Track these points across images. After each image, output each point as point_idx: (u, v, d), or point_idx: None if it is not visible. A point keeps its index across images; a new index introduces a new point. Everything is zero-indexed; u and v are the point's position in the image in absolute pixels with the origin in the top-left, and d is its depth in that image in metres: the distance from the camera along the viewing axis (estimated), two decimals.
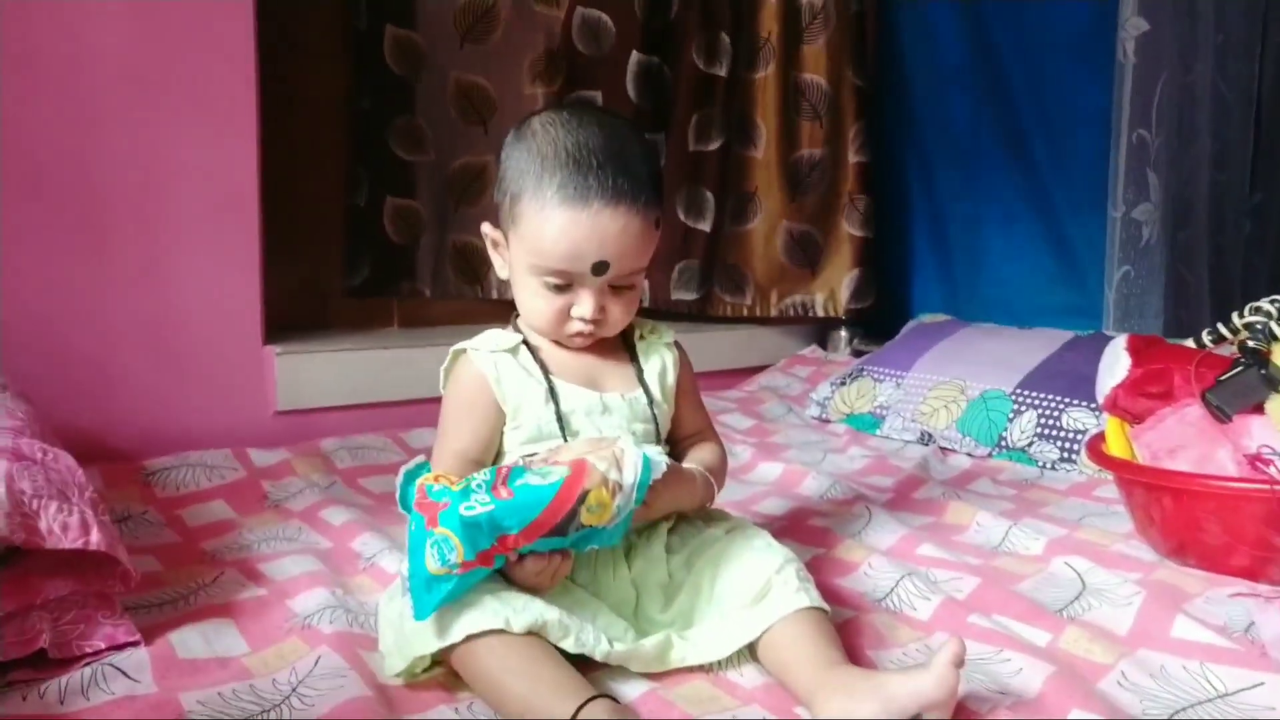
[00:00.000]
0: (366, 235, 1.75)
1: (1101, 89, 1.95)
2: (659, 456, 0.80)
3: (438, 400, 0.91)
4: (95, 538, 0.78)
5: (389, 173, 1.75)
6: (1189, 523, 1.04)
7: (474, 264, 1.86)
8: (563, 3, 1.85)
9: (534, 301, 0.88)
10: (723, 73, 2.11)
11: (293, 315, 1.67)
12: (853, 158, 2.26)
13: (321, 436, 1.49)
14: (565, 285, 0.86)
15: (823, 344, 2.40)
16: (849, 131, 2.25)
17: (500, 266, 0.93)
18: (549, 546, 0.76)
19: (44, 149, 1.31)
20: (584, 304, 0.86)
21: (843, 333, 2.36)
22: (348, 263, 1.76)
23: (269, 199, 1.53)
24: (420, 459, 0.82)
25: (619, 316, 0.89)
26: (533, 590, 0.78)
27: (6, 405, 0.91)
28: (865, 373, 1.90)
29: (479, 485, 0.74)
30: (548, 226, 0.82)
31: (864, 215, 2.27)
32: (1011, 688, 0.77)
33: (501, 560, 0.74)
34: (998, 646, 0.83)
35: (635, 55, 1.98)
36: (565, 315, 0.87)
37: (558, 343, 0.91)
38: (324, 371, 1.58)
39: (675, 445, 0.98)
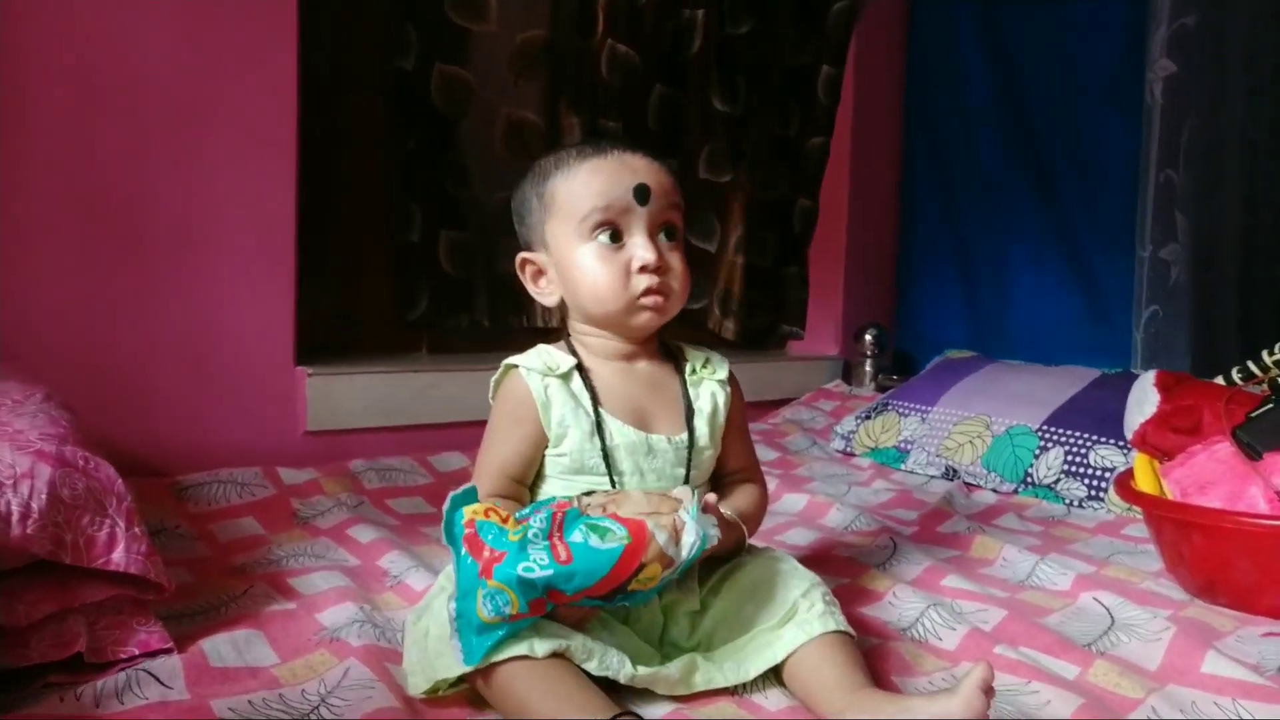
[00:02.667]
0: (422, 269, 1.76)
1: (1129, 130, 1.96)
2: (712, 529, 0.78)
3: (465, 425, 0.92)
4: (118, 556, 0.80)
5: (439, 207, 1.77)
6: (1219, 560, 1.03)
7: (522, 293, 1.87)
8: (597, 34, 1.88)
9: (594, 274, 0.87)
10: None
11: (326, 340, 1.70)
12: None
13: (350, 457, 1.51)
14: (617, 233, 0.86)
15: (847, 378, 2.40)
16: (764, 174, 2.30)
17: (545, 293, 0.93)
18: (591, 604, 0.76)
19: (92, 172, 1.35)
20: (640, 248, 0.86)
21: (867, 367, 2.36)
22: (403, 295, 1.77)
23: (308, 227, 1.56)
24: (468, 485, 0.81)
25: (679, 271, 0.89)
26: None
27: (51, 414, 0.93)
28: (890, 407, 1.90)
29: (536, 536, 0.72)
30: (579, 177, 0.87)
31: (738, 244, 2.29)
32: (1040, 719, 0.77)
33: (551, 608, 0.74)
34: (1025, 678, 0.83)
35: (658, 88, 2.02)
36: (628, 276, 0.86)
37: (620, 359, 0.91)
38: (353, 394, 1.60)
39: (717, 480, 0.97)
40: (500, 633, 0.71)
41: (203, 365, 1.46)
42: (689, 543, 0.75)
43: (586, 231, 0.86)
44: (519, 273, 0.94)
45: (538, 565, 0.70)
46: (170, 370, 1.43)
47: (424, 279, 1.77)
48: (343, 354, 1.72)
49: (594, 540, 0.72)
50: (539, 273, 0.93)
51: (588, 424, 0.87)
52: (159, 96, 1.39)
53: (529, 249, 0.93)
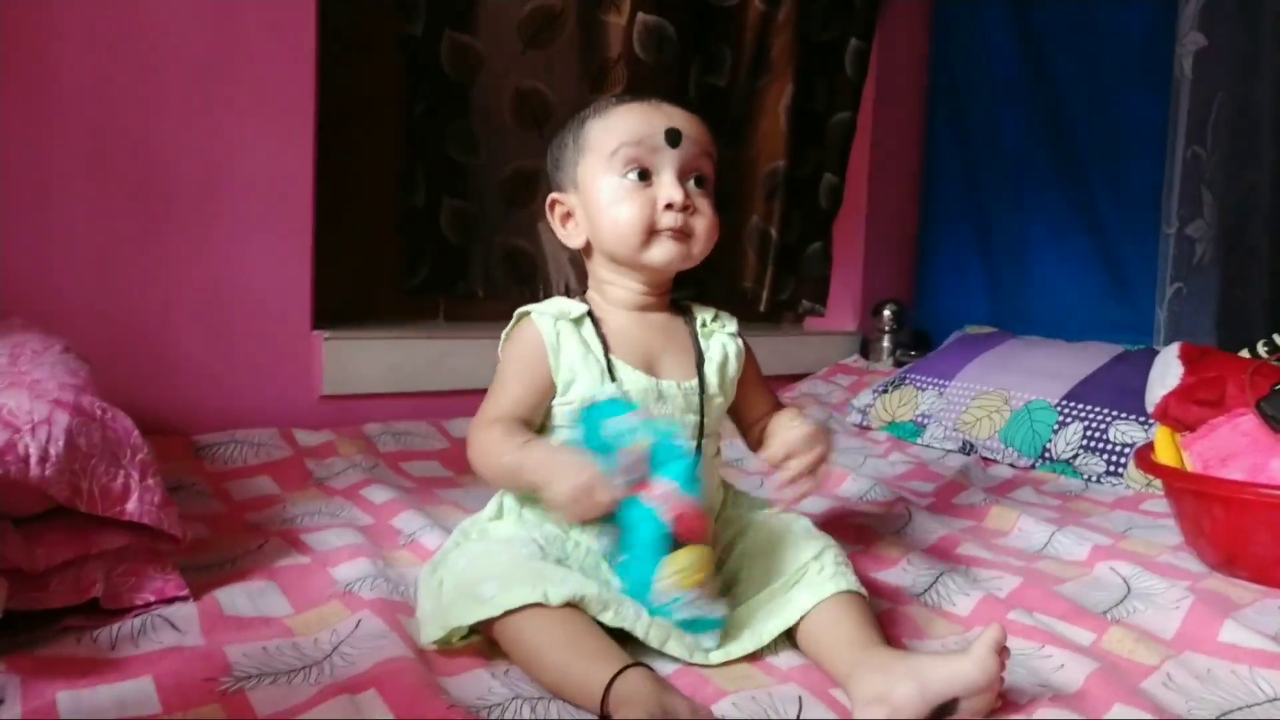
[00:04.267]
0: (425, 235, 1.75)
1: (1156, 105, 1.93)
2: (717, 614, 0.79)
3: (480, 393, 0.90)
4: (132, 506, 0.80)
5: (445, 174, 1.76)
6: (1240, 533, 1.02)
7: (522, 266, 1.87)
8: (624, 9, 1.85)
9: (617, 209, 0.87)
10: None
11: (343, 305, 1.70)
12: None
13: (364, 422, 1.51)
14: (646, 173, 0.87)
15: (865, 354, 2.38)
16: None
17: (571, 234, 0.93)
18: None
19: (113, 133, 1.35)
20: (667, 186, 0.86)
21: (885, 343, 2.34)
22: (406, 262, 1.76)
23: (325, 193, 1.56)
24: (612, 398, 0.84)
25: (707, 214, 0.89)
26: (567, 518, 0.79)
27: (70, 365, 0.94)
28: (908, 381, 1.89)
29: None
30: (614, 116, 0.88)
31: None
32: (1053, 683, 0.76)
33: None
34: (1039, 643, 0.82)
35: (697, 62, 2.00)
36: (653, 213, 0.86)
37: (640, 302, 0.91)
38: (369, 359, 1.60)
39: (750, 428, 0.98)
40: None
41: (220, 327, 1.47)
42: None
43: (617, 167, 0.87)
44: (548, 214, 0.94)
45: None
46: (188, 332, 1.44)
47: (426, 245, 1.76)
48: (359, 319, 1.72)
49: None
50: (568, 215, 0.93)
51: (597, 369, 0.87)
52: (179, 58, 1.39)
53: (560, 191, 0.94)
